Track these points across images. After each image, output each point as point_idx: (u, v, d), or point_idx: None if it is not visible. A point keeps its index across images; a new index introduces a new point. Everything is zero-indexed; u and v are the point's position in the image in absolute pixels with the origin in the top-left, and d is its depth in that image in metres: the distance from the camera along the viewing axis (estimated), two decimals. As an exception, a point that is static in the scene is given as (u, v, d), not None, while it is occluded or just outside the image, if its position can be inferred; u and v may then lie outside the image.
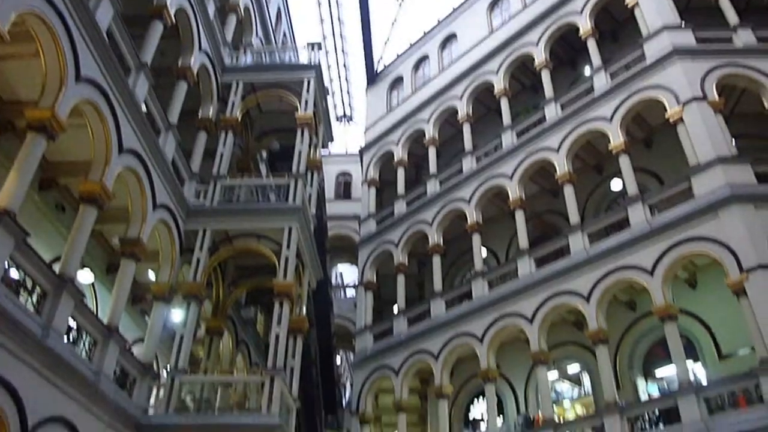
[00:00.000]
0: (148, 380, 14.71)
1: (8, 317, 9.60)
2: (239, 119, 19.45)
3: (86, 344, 12.46)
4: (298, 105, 19.64)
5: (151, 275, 17.28)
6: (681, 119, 17.75)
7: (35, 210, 13.88)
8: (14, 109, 12.38)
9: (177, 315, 16.93)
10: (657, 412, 15.72)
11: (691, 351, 17.65)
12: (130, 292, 15.14)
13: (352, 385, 28.20)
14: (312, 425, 23.50)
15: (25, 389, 10.11)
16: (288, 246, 16.64)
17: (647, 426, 15.70)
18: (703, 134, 17.10)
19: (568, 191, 20.08)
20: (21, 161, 10.52)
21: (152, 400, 15.06)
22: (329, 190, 36.80)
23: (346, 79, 44.51)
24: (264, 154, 24.44)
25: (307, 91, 19.82)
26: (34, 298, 10.77)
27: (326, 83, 24.95)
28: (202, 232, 16.81)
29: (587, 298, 17.83)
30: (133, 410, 13.77)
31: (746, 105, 19.49)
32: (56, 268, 11.65)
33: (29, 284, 10.68)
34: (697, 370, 17.64)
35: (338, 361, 34.07)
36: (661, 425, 15.40)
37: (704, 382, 16.43)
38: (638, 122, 20.77)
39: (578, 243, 18.88)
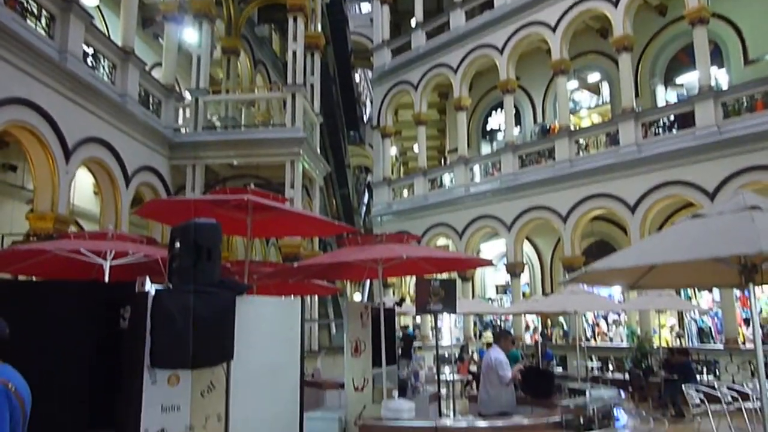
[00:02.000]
0: (173, 102, 15.09)
1: (23, 41, 9.52)
2: None
3: (106, 68, 12.53)
4: None
5: (158, -6, 16.56)
6: None
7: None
8: None
9: (191, 36, 16.60)
10: (672, 118, 16.00)
11: (717, 57, 17.25)
12: (139, 14, 14.70)
13: (371, 102, 28.71)
14: (335, 140, 24.55)
15: (57, 113, 10.48)
16: (296, -46, 15.52)
17: (661, 131, 16.11)
18: None
19: None
20: None
21: (180, 121, 15.65)
22: None
23: None
24: None
25: None
26: (44, 23, 10.54)
27: None
28: (203, -57, 15.62)
29: (615, 3, 16.92)
30: (164, 130, 14.40)
31: None
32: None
33: (34, 9, 10.35)
34: (720, 77, 17.45)
35: (357, 79, 34.14)
36: (674, 130, 15.79)
37: (725, 89, 16.35)
38: None
39: (612, -60, 17.25)
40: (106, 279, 5.98)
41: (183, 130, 15.31)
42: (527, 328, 20.37)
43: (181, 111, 15.76)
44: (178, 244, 4.61)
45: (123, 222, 12.44)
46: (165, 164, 14.53)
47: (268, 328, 5.24)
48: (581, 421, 5.50)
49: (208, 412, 4.51)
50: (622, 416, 6.76)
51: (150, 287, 4.38)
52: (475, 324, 21.84)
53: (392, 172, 25.40)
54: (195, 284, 4.40)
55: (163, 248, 6.16)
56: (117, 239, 6.22)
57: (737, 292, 15.29)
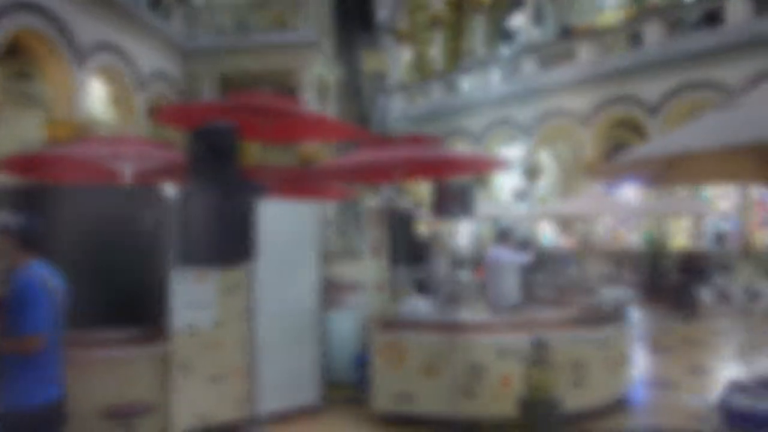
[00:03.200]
0: (183, 7, 14.69)
1: (25, -58, 9.21)
2: None
3: (112, -30, 12.16)
4: None
5: None
6: None
7: None
8: None
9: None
10: (700, 15, 15.29)
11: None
12: None
13: (385, 3, 27.67)
14: (349, 45, 23.88)
15: (67, 18, 10.29)
16: None
17: (687, 30, 15.46)
18: None
19: None
20: None
21: (192, 27, 15.30)
22: None
23: None
24: None
25: None
26: None
27: None
28: None
29: None
30: (175, 36, 14.11)
31: None
32: None
33: None
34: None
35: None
36: (702, 28, 15.13)
37: None
38: None
39: None
40: (129, 182, 6.06)
41: (195, 37, 14.99)
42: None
43: (192, 17, 15.36)
44: (196, 147, 4.63)
45: (140, 130, 12.45)
46: (179, 71, 14.34)
47: (288, 230, 5.35)
48: (595, 317, 5.64)
49: (234, 309, 4.70)
50: (635, 314, 6.93)
51: (171, 190, 4.45)
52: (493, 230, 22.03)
53: (407, 77, 24.88)
54: (215, 186, 4.44)
55: (182, 153, 6.18)
56: (137, 144, 6.26)
57: (756, 196, 15.16)
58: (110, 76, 12.18)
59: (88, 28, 10.96)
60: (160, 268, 4.45)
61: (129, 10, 12.14)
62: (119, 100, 12.51)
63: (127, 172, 6.10)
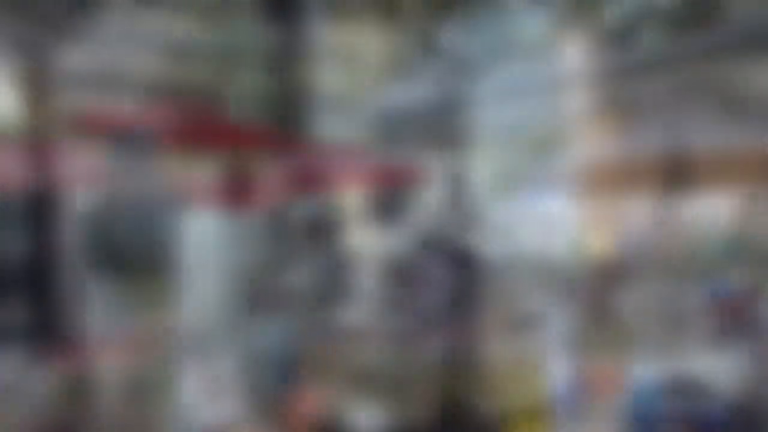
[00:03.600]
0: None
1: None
2: None
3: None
4: None
5: None
6: None
7: None
8: None
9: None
10: (622, 32, 15.99)
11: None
12: None
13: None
14: (280, 51, 23.74)
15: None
16: None
17: (609, 46, 16.09)
18: None
19: None
20: None
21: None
22: None
23: None
24: None
25: None
26: None
27: None
28: None
29: None
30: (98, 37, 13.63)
31: None
32: None
33: None
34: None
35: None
36: (622, 45, 15.78)
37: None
38: None
39: None
40: (41, 191, 5.80)
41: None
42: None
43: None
44: (116, 155, 4.52)
45: (57, 137, 11.92)
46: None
47: (212, 240, 5.26)
48: (516, 322, 5.80)
49: (154, 319, 4.56)
50: (556, 319, 7.16)
51: (87, 197, 4.30)
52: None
53: (337, 86, 24.85)
54: (132, 194, 4.34)
55: (102, 159, 5.98)
56: (53, 151, 6.01)
57: (669, 207, 15.95)
58: (24, 78, 11.60)
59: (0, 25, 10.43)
60: (73, 278, 4.28)
61: (49, 8, 11.64)
62: (34, 104, 11.92)
63: (40, 179, 5.83)
